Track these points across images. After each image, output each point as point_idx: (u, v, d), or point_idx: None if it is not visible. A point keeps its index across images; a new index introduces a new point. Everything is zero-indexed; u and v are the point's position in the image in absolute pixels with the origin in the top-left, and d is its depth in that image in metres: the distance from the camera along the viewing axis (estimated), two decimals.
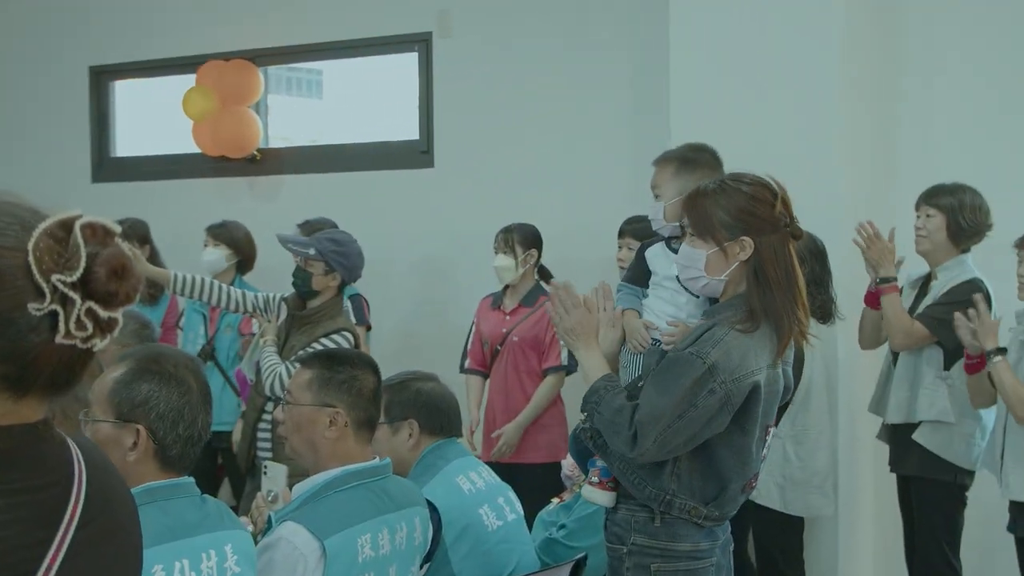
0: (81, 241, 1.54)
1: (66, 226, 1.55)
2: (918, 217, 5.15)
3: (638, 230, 5.73)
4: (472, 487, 3.90)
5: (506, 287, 6.26)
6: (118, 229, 1.62)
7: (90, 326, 1.55)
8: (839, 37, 5.64)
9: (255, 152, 8.19)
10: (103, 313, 1.56)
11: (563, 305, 3.42)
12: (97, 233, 1.57)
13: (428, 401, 3.96)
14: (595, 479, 3.45)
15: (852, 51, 5.71)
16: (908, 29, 6.10)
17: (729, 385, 3.15)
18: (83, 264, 1.53)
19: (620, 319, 3.54)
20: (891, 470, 5.34)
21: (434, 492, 3.74)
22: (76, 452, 1.65)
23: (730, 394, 3.16)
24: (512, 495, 4.10)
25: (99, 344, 1.58)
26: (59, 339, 1.53)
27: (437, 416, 3.96)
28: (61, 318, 1.53)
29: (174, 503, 2.86)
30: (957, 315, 4.79)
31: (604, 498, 3.44)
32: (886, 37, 6.06)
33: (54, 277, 1.52)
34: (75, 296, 1.53)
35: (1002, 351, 4.73)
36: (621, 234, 5.86)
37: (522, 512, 4.10)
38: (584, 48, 7.14)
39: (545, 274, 6.28)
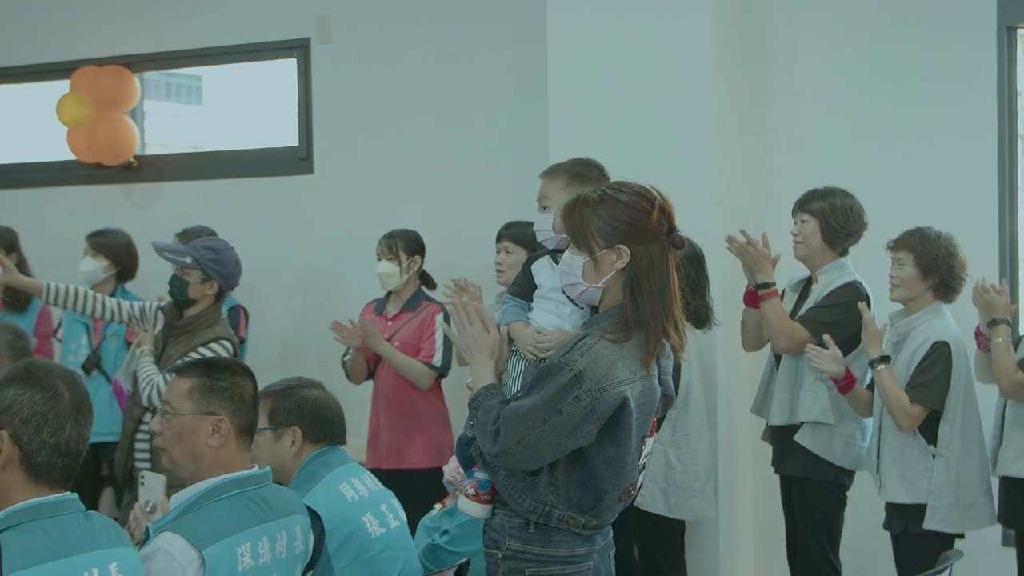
0: None
1: None
2: (794, 223, 5.24)
3: (516, 234, 5.76)
4: (355, 494, 3.87)
5: (388, 293, 6.25)
6: None
7: None
8: (710, 46, 5.72)
9: (132, 159, 8.07)
10: None
11: (465, 319, 3.47)
12: None
13: (313, 408, 3.94)
14: (471, 491, 3.46)
15: (722, 59, 5.80)
16: (774, 36, 6.24)
17: (595, 393, 3.17)
18: None
19: (501, 333, 3.54)
20: (775, 471, 5.41)
21: (316, 499, 3.71)
22: None
23: (595, 402, 3.18)
24: (395, 502, 4.09)
25: None
26: None
27: (322, 424, 3.94)
28: None
29: (55, 521, 2.80)
30: (809, 347, 4.92)
31: (479, 511, 3.46)
32: (754, 45, 6.19)
33: None
34: None
35: (885, 359, 4.83)
36: (499, 238, 5.87)
37: (405, 519, 4.08)
38: (463, 55, 7.15)
39: (428, 280, 6.28)
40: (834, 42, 6.21)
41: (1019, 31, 6.08)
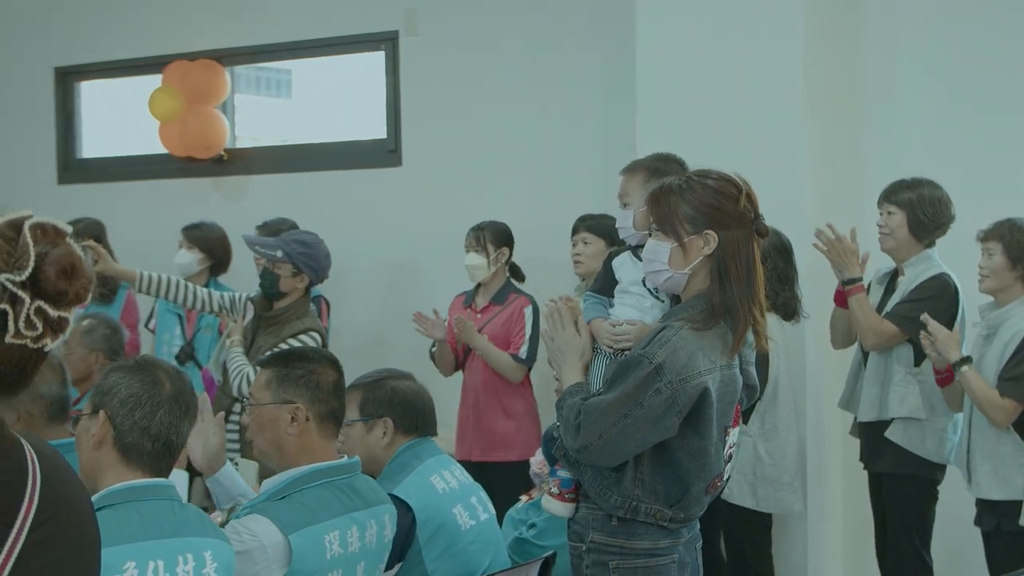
0: (30, 241, 1.54)
1: (15, 226, 1.55)
2: (880, 215, 5.17)
3: (593, 225, 5.77)
4: (446, 486, 3.88)
5: (478, 285, 6.26)
6: (69, 229, 1.62)
7: (40, 325, 1.54)
8: (803, 37, 5.67)
9: (222, 152, 8.15)
10: (53, 312, 1.55)
11: (559, 322, 3.47)
12: (47, 233, 1.57)
13: (403, 400, 3.94)
14: (555, 490, 3.46)
15: (816, 51, 5.74)
16: (868, 27, 6.12)
17: (675, 385, 3.15)
18: (32, 263, 1.53)
19: (586, 329, 3.53)
20: (864, 467, 5.35)
21: (408, 491, 3.73)
22: (30, 453, 1.64)
23: (676, 394, 3.16)
24: (484, 494, 4.09)
25: (50, 344, 1.57)
26: (8, 339, 1.52)
27: (412, 415, 3.95)
28: (10, 317, 1.52)
29: (149, 505, 2.86)
30: (922, 334, 4.81)
31: (563, 509, 3.45)
32: (848, 33, 6.09)
33: (2, 276, 1.51)
34: (24, 295, 1.52)
35: (967, 360, 4.75)
36: (576, 230, 5.88)
37: (494, 512, 4.10)
38: (552, 46, 7.14)
39: (516, 272, 6.29)
40: (933, 28, 6.06)
41: None
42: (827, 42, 5.89)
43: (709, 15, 5.80)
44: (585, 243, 5.79)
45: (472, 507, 3.95)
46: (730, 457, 3.46)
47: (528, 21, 7.22)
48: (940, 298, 4.97)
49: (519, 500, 4.56)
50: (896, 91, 6.11)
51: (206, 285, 6.62)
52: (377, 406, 3.90)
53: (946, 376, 4.88)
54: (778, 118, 5.64)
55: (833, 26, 5.97)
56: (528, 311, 6.06)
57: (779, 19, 5.66)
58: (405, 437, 3.92)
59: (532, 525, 4.24)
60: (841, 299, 5.18)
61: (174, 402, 2.94)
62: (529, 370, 6.13)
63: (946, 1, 6.06)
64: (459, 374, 6.32)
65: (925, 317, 4.81)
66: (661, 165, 3.64)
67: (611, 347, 3.42)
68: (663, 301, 3.46)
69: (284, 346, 5.27)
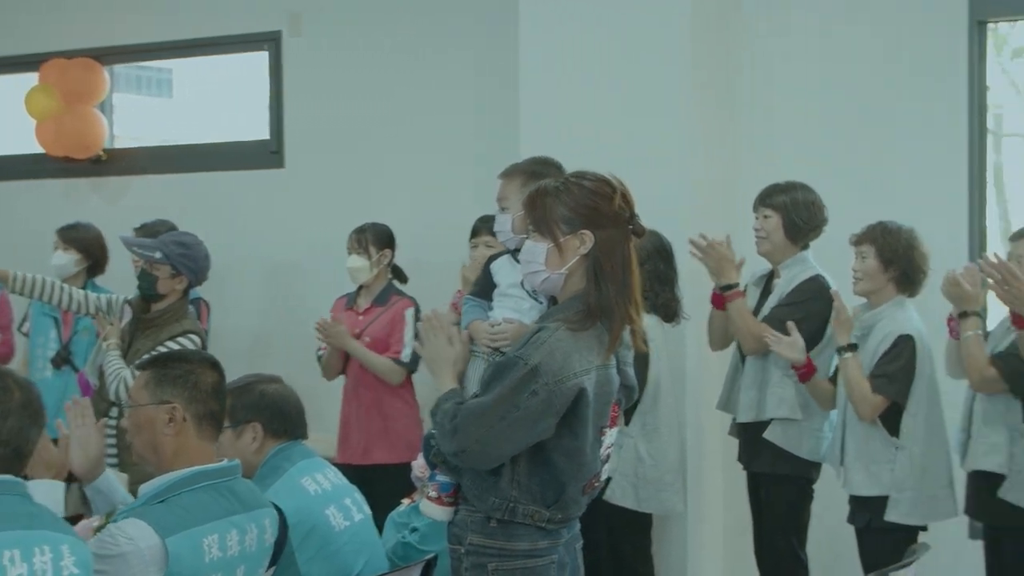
0: None
1: None
2: (756, 219, 5.24)
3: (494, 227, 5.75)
4: (318, 488, 3.88)
5: (360, 287, 6.24)
6: None
7: None
8: (685, 44, 5.74)
9: (100, 152, 8.03)
10: None
11: (431, 333, 3.49)
12: None
13: (272, 403, 3.93)
14: (433, 494, 3.47)
15: (696, 58, 5.81)
16: (747, 37, 6.24)
17: (552, 387, 3.17)
18: None
19: (462, 337, 3.55)
20: (743, 467, 5.42)
21: (278, 494, 3.71)
22: None
23: (553, 396, 3.18)
24: (359, 496, 4.08)
25: None
26: None
27: (281, 418, 3.94)
28: None
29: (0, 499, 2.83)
30: (768, 335, 4.95)
31: (441, 513, 3.46)
32: (728, 43, 6.19)
33: None
34: None
35: (853, 347, 4.84)
36: (476, 232, 5.85)
37: (370, 512, 4.09)
38: (435, 50, 7.14)
39: (399, 274, 6.28)
40: (805, 38, 6.22)
41: (989, 26, 6.10)
42: (707, 50, 5.97)
43: (592, 22, 5.84)
44: (488, 247, 5.78)
45: (346, 508, 3.94)
46: (607, 458, 3.48)
47: (412, 25, 7.21)
48: (815, 300, 5.07)
49: (401, 503, 4.55)
50: (771, 99, 6.24)
51: (83, 287, 6.50)
52: (245, 411, 3.89)
53: (804, 372, 4.97)
54: (659, 123, 5.70)
55: (714, 36, 6.06)
56: (409, 313, 6.06)
57: (662, 27, 5.72)
58: (275, 441, 3.92)
59: (414, 529, 4.23)
60: (718, 301, 5.25)
61: (23, 409, 2.91)
62: (412, 372, 6.12)
63: (820, 15, 6.20)
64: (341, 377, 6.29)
65: (835, 292, 4.93)
66: (539, 168, 3.67)
67: (489, 347, 3.44)
68: (541, 303, 3.48)
69: (162, 349, 5.20)
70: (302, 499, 3.79)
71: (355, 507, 4.00)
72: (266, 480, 3.78)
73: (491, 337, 3.44)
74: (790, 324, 4.97)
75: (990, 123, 6.23)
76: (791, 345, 4.95)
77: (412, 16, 7.21)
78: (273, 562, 3.60)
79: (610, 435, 3.45)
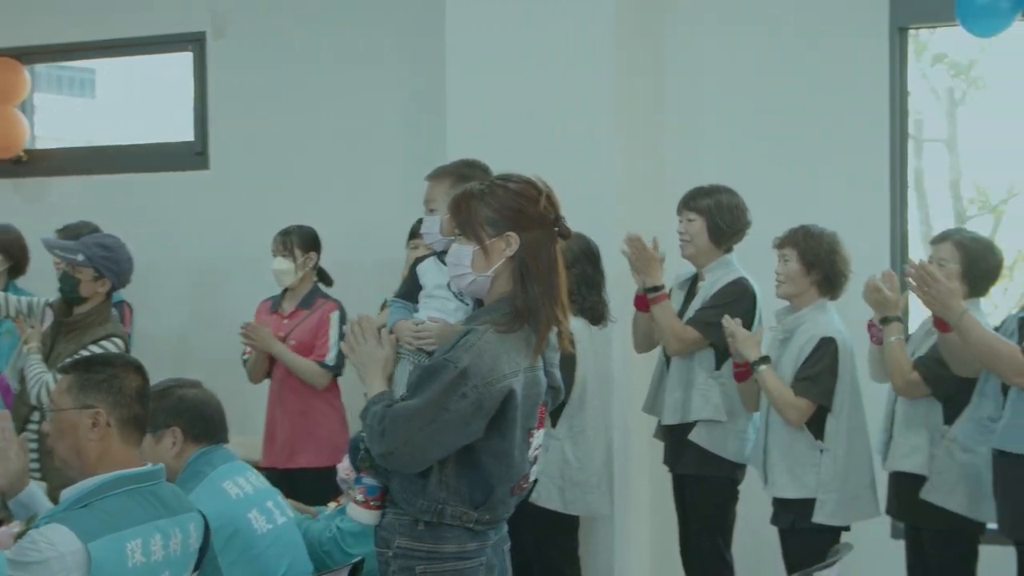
0: None
1: None
2: (680, 222, 5.27)
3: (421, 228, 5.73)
4: (240, 491, 3.86)
5: (285, 290, 6.21)
6: None
7: None
8: (611, 49, 5.77)
9: (21, 153, 7.92)
10: None
11: (359, 336, 3.47)
12: None
13: (191, 408, 3.92)
14: (360, 497, 3.47)
15: (623, 63, 5.84)
16: (672, 42, 6.32)
17: (481, 389, 3.19)
18: None
19: (390, 339, 3.54)
20: (668, 469, 5.45)
21: (200, 498, 3.69)
22: None
23: (482, 398, 3.19)
24: (282, 499, 4.07)
25: None
26: None
27: (201, 423, 3.92)
28: None
29: None
30: (725, 319, 4.95)
31: (369, 517, 3.47)
32: (652, 49, 6.26)
33: None
34: None
35: (765, 359, 4.88)
36: (413, 234, 5.83)
37: (292, 515, 4.08)
38: (360, 52, 7.12)
39: (324, 277, 6.25)
40: (730, 45, 6.30)
41: (910, 32, 6.20)
42: (632, 55, 6.01)
43: (518, 25, 5.86)
44: (427, 247, 5.76)
45: (268, 511, 3.93)
46: (535, 459, 3.49)
47: (338, 26, 7.18)
48: (739, 302, 5.10)
49: (326, 506, 4.53)
50: (696, 103, 6.32)
51: (4, 289, 6.42)
52: (165, 416, 3.86)
53: (743, 370, 5.01)
54: (585, 127, 5.72)
55: (639, 41, 6.10)
56: (335, 316, 6.03)
57: (587, 32, 5.75)
58: (196, 445, 3.90)
59: (339, 529, 4.22)
60: (641, 303, 5.26)
61: None
62: (337, 376, 6.10)
63: (743, 21, 6.28)
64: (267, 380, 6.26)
65: (726, 319, 4.94)
66: (467, 171, 3.68)
67: (412, 345, 3.44)
68: (467, 304, 3.49)
69: (85, 352, 5.14)
70: (224, 503, 3.78)
71: (278, 510, 3.99)
72: (187, 485, 3.76)
73: (415, 335, 3.45)
74: (735, 321, 4.97)
75: (911, 128, 6.32)
76: (752, 340, 4.94)
77: (339, 18, 7.18)
78: (197, 567, 3.58)
79: (537, 436, 3.46)
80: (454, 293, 3.51)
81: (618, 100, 5.79)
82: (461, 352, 3.20)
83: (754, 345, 4.92)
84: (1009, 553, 4.61)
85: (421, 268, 3.67)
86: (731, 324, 4.93)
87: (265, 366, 6.19)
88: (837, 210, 5.67)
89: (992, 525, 4.71)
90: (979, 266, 4.75)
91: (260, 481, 4.02)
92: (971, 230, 5.09)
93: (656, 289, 5.16)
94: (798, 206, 5.67)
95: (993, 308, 5.83)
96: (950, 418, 4.75)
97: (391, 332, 3.56)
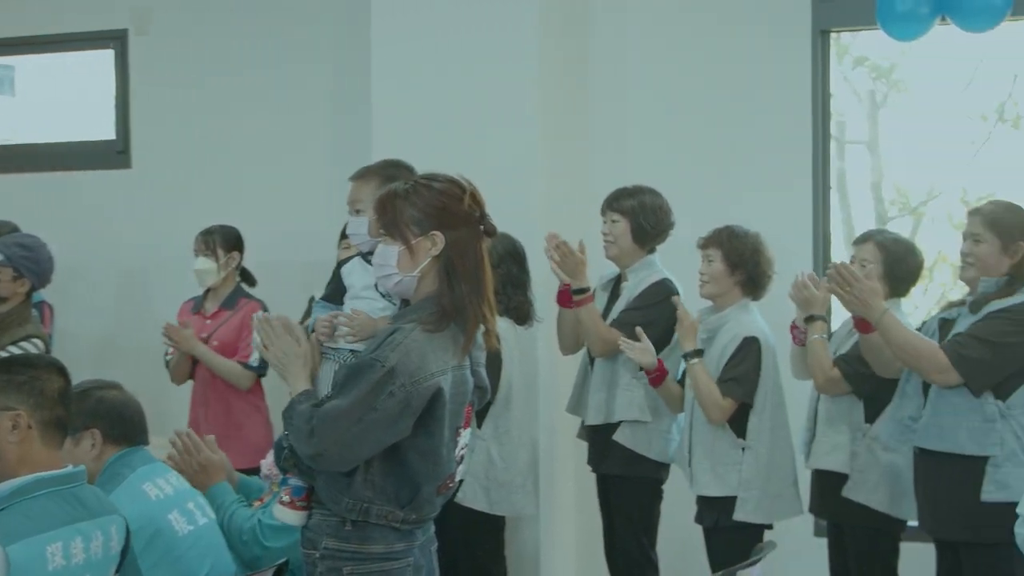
0: None
1: None
2: (604, 223, 5.29)
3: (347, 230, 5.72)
4: (160, 493, 3.84)
5: (207, 291, 6.17)
6: None
7: None
8: (535, 50, 5.79)
9: None
10: None
11: (271, 333, 3.45)
12: None
13: (111, 409, 3.89)
14: (286, 498, 3.45)
15: (547, 65, 5.87)
16: (596, 44, 6.35)
17: (409, 388, 3.19)
18: None
19: (312, 339, 3.53)
20: (592, 469, 5.46)
21: (120, 500, 3.65)
22: None
23: (410, 397, 3.19)
24: (203, 500, 4.04)
25: None
26: None
27: (120, 425, 3.89)
28: None
29: None
30: (621, 340, 5.00)
31: (295, 518, 3.45)
32: (577, 49, 6.29)
33: None
34: None
35: (699, 353, 4.92)
36: (346, 235, 5.81)
37: (215, 516, 4.04)
38: (286, 51, 7.08)
39: (247, 277, 6.22)
40: (654, 47, 6.33)
41: (832, 35, 6.27)
42: (557, 56, 6.04)
43: (443, 25, 5.86)
44: None
45: (189, 512, 3.90)
46: (462, 459, 3.50)
47: (263, 25, 7.14)
48: (663, 303, 5.13)
49: (250, 505, 4.49)
50: (621, 105, 6.36)
51: None
52: (83, 418, 3.82)
53: (656, 377, 5.04)
54: (510, 127, 5.74)
55: (563, 42, 6.13)
56: (257, 316, 5.97)
57: (512, 31, 5.76)
58: (115, 447, 3.87)
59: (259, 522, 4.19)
60: (564, 299, 5.26)
61: None
62: (261, 376, 6.06)
63: (668, 23, 6.33)
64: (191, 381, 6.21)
65: (676, 300, 5.01)
66: (392, 171, 3.68)
67: (326, 336, 3.42)
68: (395, 304, 3.49)
69: (4, 354, 5.08)
70: (143, 505, 3.76)
71: (199, 511, 3.96)
72: (106, 487, 3.72)
73: (331, 325, 3.44)
74: (639, 330, 5.03)
75: (833, 130, 6.40)
76: (643, 351, 5.01)
77: (264, 16, 7.14)
78: (118, 569, 3.54)
79: (464, 436, 3.47)
80: (381, 294, 3.50)
81: (543, 101, 5.81)
82: (388, 351, 3.20)
83: (693, 336, 4.96)
84: (929, 550, 4.68)
85: (346, 269, 3.66)
86: (681, 308, 4.99)
87: (188, 367, 6.15)
88: (760, 211, 5.71)
89: (913, 522, 4.78)
90: (901, 267, 4.82)
91: (180, 482, 4.00)
92: (893, 231, 5.15)
93: (583, 292, 5.17)
94: (721, 207, 5.70)
95: (914, 308, 5.90)
96: (872, 417, 4.80)
97: (313, 331, 3.55)
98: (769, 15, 6.18)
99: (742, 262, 4.93)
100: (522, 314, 5.23)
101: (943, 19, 5.59)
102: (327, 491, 3.32)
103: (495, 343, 3.49)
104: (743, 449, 4.86)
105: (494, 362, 4.75)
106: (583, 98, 6.28)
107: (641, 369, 5.07)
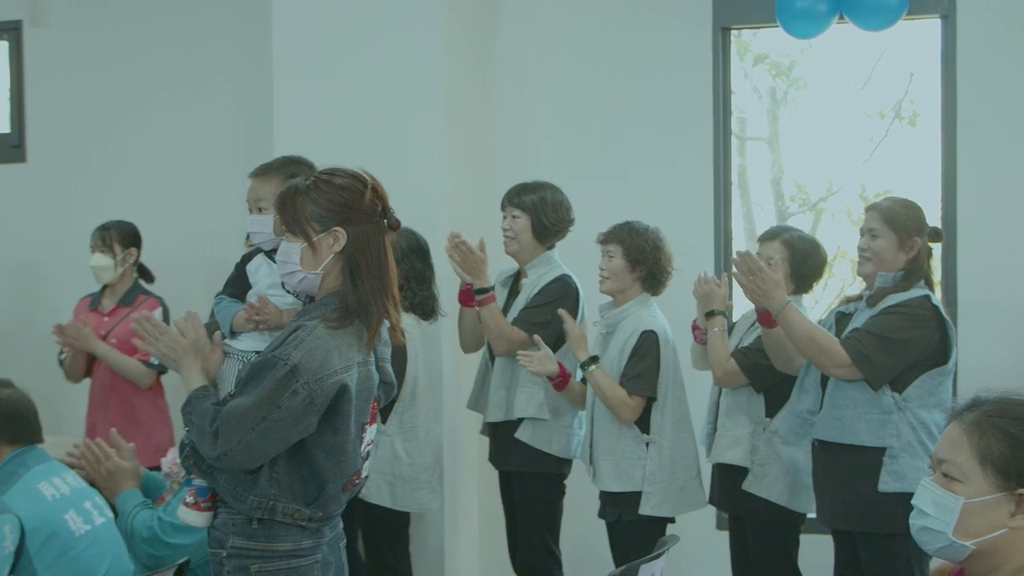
0: None
1: None
2: (504, 218, 5.29)
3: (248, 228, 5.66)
4: (55, 492, 3.79)
5: (104, 287, 6.08)
6: None
7: None
8: (439, 44, 5.75)
9: None
10: None
11: (153, 332, 3.44)
12: None
13: (5, 408, 3.84)
14: (190, 499, 3.41)
15: (452, 62, 5.84)
16: (501, 35, 6.36)
17: (313, 385, 3.16)
18: None
19: (215, 338, 3.49)
20: (494, 466, 5.46)
21: (14, 500, 3.62)
22: None
23: (314, 395, 3.17)
24: (100, 499, 4.00)
25: None
26: None
27: (16, 423, 3.85)
28: None
29: None
30: (519, 354, 5.02)
31: (200, 519, 3.41)
32: (481, 43, 6.28)
33: None
34: None
35: (594, 360, 4.93)
36: None
37: (112, 515, 4.00)
38: (186, 44, 6.99)
39: (145, 274, 6.15)
40: (557, 42, 6.37)
41: (733, 32, 6.32)
42: (461, 51, 6.01)
43: (345, 19, 5.79)
44: None
45: (86, 512, 3.86)
46: (368, 455, 3.48)
47: (163, 17, 7.05)
48: (562, 300, 5.13)
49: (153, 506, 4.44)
50: (525, 101, 6.40)
51: None
52: None
53: (560, 381, 5.06)
54: (413, 123, 5.69)
55: (467, 38, 6.11)
56: (157, 314, 5.92)
57: (415, 27, 5.72)
58: (9, 447, 3.83)
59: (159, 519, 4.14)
60: (465, 298, 5.25)
61: None
62: (161, 374, 5.98)
63: (571, 20, 6.36)
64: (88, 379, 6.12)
65: (561, 312, 5.00)
66: (292, 168, 3.64)
67: (253, 322, 3.42)
68: (302, 301, 3.46)
69: None
70: (39, 504, 3.71)
71: (96, 510, 3.92)
72: (1, 487, 3.68)
73: (252, 311, 3.42)
74: (536, 337, 5.03)
75: (734, 127, 6.46)
76: (542, 360, 5.01)
77: (163, 8, 7.04)
78: (12, 570, 3.48)
79: (370, 432, 3.45)
80: (288, 290, 3.47)
81: (446, 97, 5.79)
82: (291, 349, 3.17)
83: (584, 345, 4.98)
84: (827, 541, 4.74)
85: (251, 266, 3.62)
86: (567, 320, 4.99)
87: (84, 365, 6.06)
88: (662, 207, 5.76)
89: (812, 515, 4.83)
90: (806, 264, 4.89)
91: (77, 481, 3.94)
92: (798, 229, 5.21)
93: (484, 291, 5.16)
94: (622, 203, 5.73)
95: (814, 303, 5.98)
96: (772, 411, 4.86)
97: (218, 331, 3.51)
98: (671, 12, 6.25)
99: (643, 258, 4.96)
100: (427, 309, 5.21)
101: (841, 17, 5.67)
102: (231, 490, 3.28)
103: (400, 338, 3.47)
104: (647, 444, 4.89)
105: (399, 357, 4.73)
106: (487, 94, 6.28)
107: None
